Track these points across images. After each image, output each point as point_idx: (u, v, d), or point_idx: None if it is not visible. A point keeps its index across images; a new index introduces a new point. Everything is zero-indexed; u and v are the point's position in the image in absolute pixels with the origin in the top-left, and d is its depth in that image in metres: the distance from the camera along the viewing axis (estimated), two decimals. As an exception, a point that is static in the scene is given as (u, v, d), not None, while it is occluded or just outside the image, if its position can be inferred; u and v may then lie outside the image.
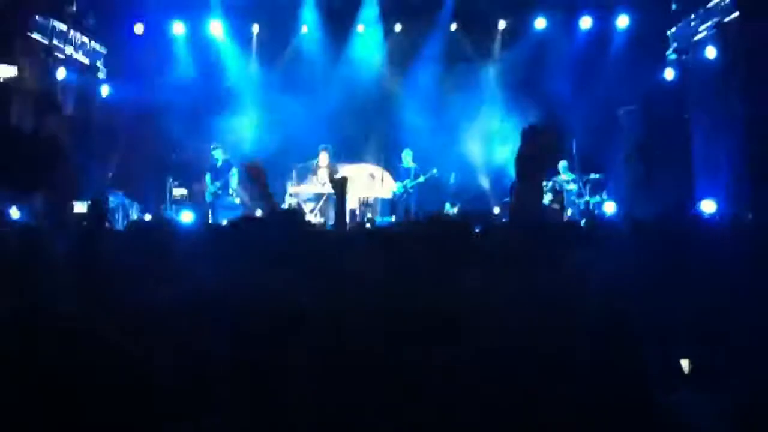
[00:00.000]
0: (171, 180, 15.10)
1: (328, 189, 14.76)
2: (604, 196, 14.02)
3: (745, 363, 2.21)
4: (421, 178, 14.85)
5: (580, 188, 14.39)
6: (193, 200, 14.98)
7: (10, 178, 10.73)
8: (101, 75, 14.87)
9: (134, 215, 14.03)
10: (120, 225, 13.17)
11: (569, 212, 14.16)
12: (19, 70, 11.80)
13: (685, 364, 2.20)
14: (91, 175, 13.67)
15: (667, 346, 2.27)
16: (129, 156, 14.97)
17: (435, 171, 14.84)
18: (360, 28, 16.47)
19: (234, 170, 14.33)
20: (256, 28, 16.13)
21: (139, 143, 15.04)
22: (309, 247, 3.38)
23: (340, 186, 5.30)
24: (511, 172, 15.31)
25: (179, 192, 15.01)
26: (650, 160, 14.20)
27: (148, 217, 13.95)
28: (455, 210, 14.67)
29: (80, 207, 12.59)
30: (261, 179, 4.77)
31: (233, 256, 3.47)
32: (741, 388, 2.04)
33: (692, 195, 13.10)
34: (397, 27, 16.48)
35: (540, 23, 15.82)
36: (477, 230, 3.95)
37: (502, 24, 16.29)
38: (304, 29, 16.29)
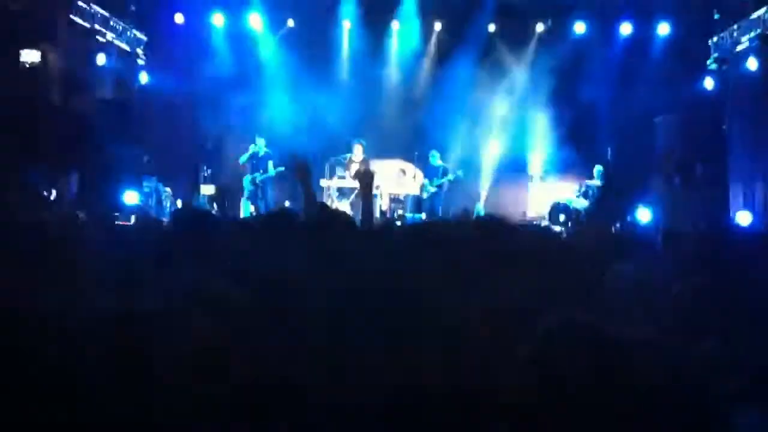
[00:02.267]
0: (204, 168, 15.25)
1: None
2: (638, 203, 13.92)
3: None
4: (448, 178, 14.88)
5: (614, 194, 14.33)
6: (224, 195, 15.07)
7: (45, 155, 10.85)
8: (141, 62, 15.00)
9: (167, 202, 14.19)
10: (153, 210, 13.35)
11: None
12: (58, 52, 11.94)
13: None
14: (126, 159, 13.82)
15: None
16: (164, 143, 15.11)
17: (460, 172, 14.86)
18: (396, 24, 16.47)
19: (271, 163, 14.42)
20: (291, 22, 16.19)
21: (175, 131, 15.18)
22: (357, 250, 3.41)
23: (366, 180, 5.17)
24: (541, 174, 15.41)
25: (207, 190, 15.07)
26: (686, 171, 14.07)
27: (180, 204, 14.14)
28: (484, 211, 14.69)
29: (131, 195, 12.81)
30: (306, 178, 4.80)
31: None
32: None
33: (727, 207, 12.98)
34: (437, 25, 16.48)
35: (579, 28, 15.73)
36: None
37: (540, 27, 16.21)
38: (346, 24, 16.34)
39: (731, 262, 3.69)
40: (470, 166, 15.75)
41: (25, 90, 11.15)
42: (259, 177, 14.47)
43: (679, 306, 3.03)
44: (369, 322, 2.44)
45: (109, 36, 13.74)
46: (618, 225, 12.79)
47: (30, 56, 11.37)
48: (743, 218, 11.57)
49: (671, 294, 3.22)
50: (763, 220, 11.64)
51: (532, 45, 16.32)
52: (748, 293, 3.05)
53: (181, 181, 15.32)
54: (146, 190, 13.79)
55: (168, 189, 14.42)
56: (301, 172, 4.84)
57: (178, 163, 15.34)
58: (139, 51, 14.93)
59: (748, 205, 12.30)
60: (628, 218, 13.63)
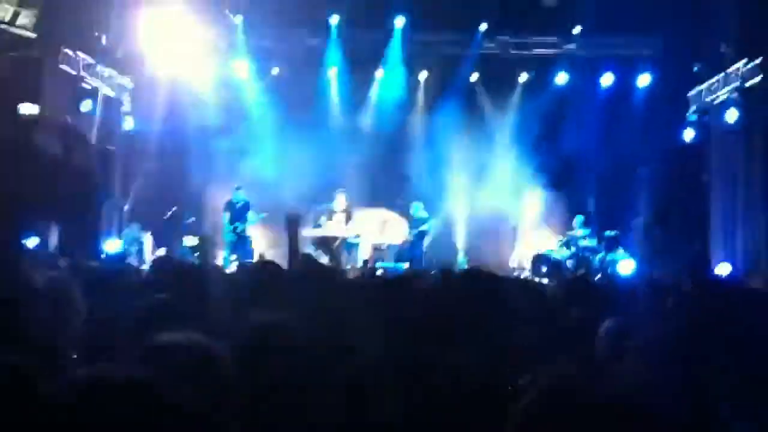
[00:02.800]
0: (188, 216, 15.16)
1: (344, 233, 14.79)
2: (621, 253, 13.95)
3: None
4: (423, 228, 14.94)
5: (595, 245, 14.37)
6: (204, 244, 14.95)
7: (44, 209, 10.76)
8: (126, 108, 14.97)
9: (148, 250, 14.08)
10: (135, 260, 13.22)
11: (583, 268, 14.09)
12: (45, 103, 11.96)
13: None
14: (109, 207, 13.74)
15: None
16: (146, 191, 15.02)
17: (426, 227, 14.92)
18: (381, 73, 16.62)
19: (251, 212, 14.37)
20: (277, 70, 16.28)
21: (158, 178, 15.11)
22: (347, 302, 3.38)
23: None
24: (524, 224, 15.46)
25: (189, 240, 14.96)
26: (667, 221, 14.15)
27: (160, 252, 14.03)
28: (467, 261, 14.71)
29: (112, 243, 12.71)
30: (296, 232, 4.81)
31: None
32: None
33: (708, 258, 13.03)
34: (422, 74, 16.64)
35: (561, 78, 15.93)
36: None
37: (523, 77, 16.42)
38: (332, 72, 16.46)
39: (710, 316, 3.70)
40: (453, 215, 15.81)
41: (25, 143, 11.10)
42: (239, 226, 14.40)
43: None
44: (356, 379, 2.40)
45: (95, 83, 13.74)
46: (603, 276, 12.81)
47: (28, 109, 11.38)
48: (723, 270, 11.63)
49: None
50: (744, 270, 11.71)
51: (516, 95, 16.51)
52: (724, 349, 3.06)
53: (164, 230, 15.19)
54: (128, 238, 13.69)
55: (150, 236, 14.32)
56: (293, 227, 4.84)
57: (161, 211, 15.22)
58: (124, 98, 14.91)
59: (728, 256, 12.36)
60: (609, 269, 13.65)
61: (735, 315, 3.89)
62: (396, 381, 2.19)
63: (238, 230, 14.42)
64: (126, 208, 14.80)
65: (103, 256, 12.31)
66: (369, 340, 2.80)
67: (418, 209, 15.16)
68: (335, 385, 2.37)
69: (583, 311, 4.09)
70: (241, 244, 14.43)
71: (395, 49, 16.23)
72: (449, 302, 3.12)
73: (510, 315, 3.14)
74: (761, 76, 11.92)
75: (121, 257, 12.33)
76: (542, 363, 2.60)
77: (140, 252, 14.00)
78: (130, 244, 13.70)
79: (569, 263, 14.16)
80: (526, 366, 2.53)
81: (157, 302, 4.04)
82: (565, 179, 15.51)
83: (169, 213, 14.58)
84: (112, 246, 12.88)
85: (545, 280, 11.28)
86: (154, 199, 15.02)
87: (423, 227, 15.02)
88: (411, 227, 15.20)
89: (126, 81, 14.91)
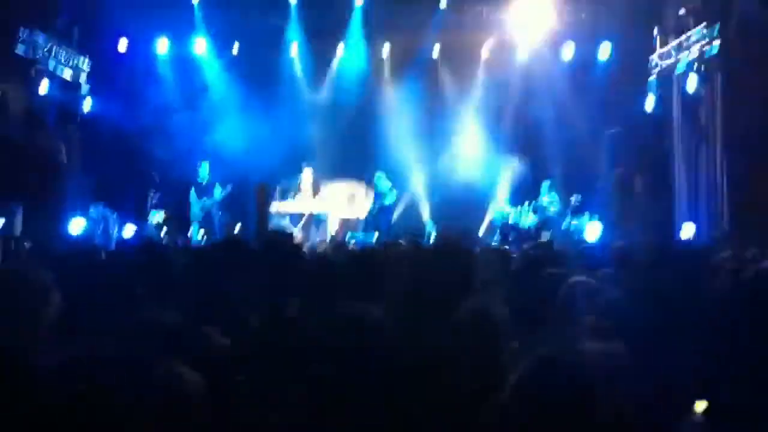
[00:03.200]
0: (152, 193, 15.03)
1: (312, 207, 14.81)
2: (587, 217, 14.13)
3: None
4: (389, 200, 14.98)
5: (562, 209, 14.54)
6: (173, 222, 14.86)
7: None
8: (84, 90, 14.75)
9: (115, 229, 13.96)
10: (100, 238, 13.10)
11: (549, 233, 14.25)
12: (2, 86, 11.76)
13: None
14: (71, 187, 13.58)
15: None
16: (110, 170, 14.85)
17: (389, 200, 15.00)
18: (343, 47, 16.54)
19: (218, 187, 14.31)
20: (237, 47, 16.14)
21: (121, 157, 14.93)
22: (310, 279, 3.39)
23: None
24: (491, 193, 15.58)
25: (157, 217, 14.85)
26: (632, 186, 14.33)
27: (127, 230, 13.93)
28: (435, 230, 14.79)
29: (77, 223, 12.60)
30: (265, 204, 4.82)
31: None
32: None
33: (672, 220, 13.24)
34: (384, 47, 16.60)
35: (524, 50, 15.95)
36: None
37: (485, 48, 16.41)
38: (293, 47, 16.35)
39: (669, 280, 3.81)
40: (420, 186, 15.86)
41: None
42: (206, 202, 14.35)
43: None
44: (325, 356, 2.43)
45: (52, 64, 13.51)
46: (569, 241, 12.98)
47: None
48: (688, 229, 11.78)
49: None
50: (707, 233, 11.91)
51: (479, 67, 16.52)
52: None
53: (129, 208, 15.04)
54: (93, 216, 13.56)
55: (115, 216, 14.19)
56: (262, 198, 4.85)
57: (125, 190, 15.07)
58: (82, 79, 14.69)
59: (692, 220, 12.53)
60: (576, 234, 13.82)
61: (693, 279, 4.00)
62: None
63: (206, 206, 14.35)
64: (89, 188, 14.60)
65: (67, 236, 12.20)
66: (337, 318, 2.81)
67: (381, 180, 15.16)
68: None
69: (548, 276, 4.17)
70: (208, 219, 14.38)
71: (356, 24, 16.16)
72: (416, 274, 3.16)
73: (476, 284, 3.19)
74: (720, 42, 12.03)
75: (86, 238, 12.23)
76: (515, 331, 2.66)
77: (106, 231, 13.87)
78: (95, 224, 13.57)
79: (536, 230, 14.33)
80: (499, 336, 2.58)
81: (126, 283, 4.05)
82: (531, 147, 15.60)
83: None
84: (76, 226, 12.73)
85: (513, 248, 11.39)
86: (117, 179, 14.87)
87: (386, 199, 15.03)
88: (377, 199, 15.21)
89: (83, 62, 14.67)
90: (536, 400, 1.59)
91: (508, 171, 15.76)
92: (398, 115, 16.11)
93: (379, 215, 15.03)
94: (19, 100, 12.20)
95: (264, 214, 4.62)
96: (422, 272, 3.17)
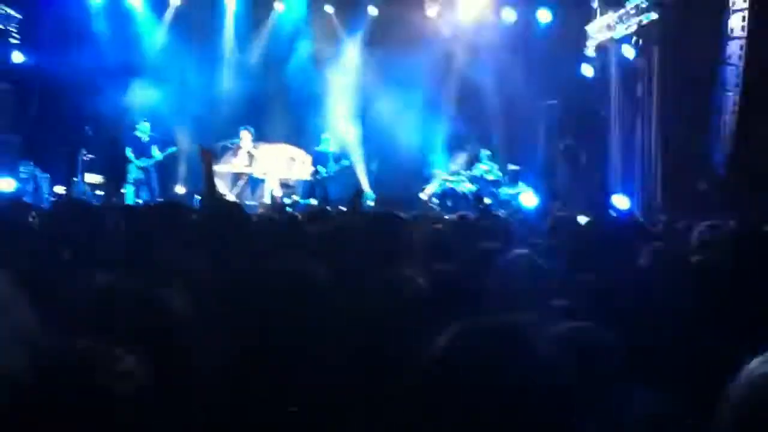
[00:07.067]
0: (83, 152, 14.60)
1: (248, 170, 14.65)
2: (522, 186, 14.29)
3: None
4: (343, 163, 14.91)
5: (500, 178, 14.67)
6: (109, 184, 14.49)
7: None
8: (14, 41, 14.20)
9: (45, 187, 13.59)
10: (30, 197, 12.72)
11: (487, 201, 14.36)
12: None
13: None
14: (1, 145, 13.14)
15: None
16: (40, 126, 14.37)
17: (347, 162, 14.92)
18: (281, 6, 16.25)
19: (155, 148, 14.00)
20: (175, 3, 15.73)
21: (52, 114, 14.46)
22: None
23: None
24: (430, 159, 15.62)
25: (93, 179, 14.47)
26: (578, 157, 14.48)
27: (59, 189, 13.57)
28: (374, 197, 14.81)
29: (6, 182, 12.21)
30: (211, 166, 4.73)
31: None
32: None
33: (608, 191, 13.45)
34: (327, 8, 16.36)
35: (466, 13, 15.91)
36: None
37: (429, 10, 16.28)
38: (230, 5, 16.00)
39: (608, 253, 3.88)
40: (360, 150, 15.80)
41: None
42: (145, 162, 14.02)
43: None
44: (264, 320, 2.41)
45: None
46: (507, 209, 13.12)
47: None
48: (620, 202, 11.96)
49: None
50: (641, 203, 12.16)
51: (420, 29, 16.38)
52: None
53: (60, 167, 14.60)
54: (23, 176, 13.17)
55: (47, 175, 13.80)
56: (208, 159, 4.77)
57: (55, 148, 14.61)
58: (12, 29, 14.12)
59: (627, 190, 12.74)
60: (513, 202, 13.97)
61: (623, 249, 4.07)
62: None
63: (144, 165, 14.02)
64: (18, 146, 14.12)
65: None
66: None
67: (327, 143, 15.05)
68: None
69: (484, 245, 4.20)
70: (146, 180, 14.06)
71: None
72: (355, 242, 3.14)
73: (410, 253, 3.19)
74: (657, 12, 12.20)
75: (16, 196, 11.85)
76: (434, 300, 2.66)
77: (38, 190, 13.48)
78: (25, 183, 13.17)
79: (474, 197, 14.44)
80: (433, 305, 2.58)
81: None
82: (472, 114, 15.65)
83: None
84: (5, 185, 12.34)
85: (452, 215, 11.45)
86: (49, 136, 14.41)
87: (335, 163, 14.93)
88: (319, 162, 15.07)
89: (12, 11, 14.10)
90: (460, 369, 1.57)
91: (447, 138, 15.83)
92: (339, 76, 15.94)
93: (324, 179, 14.90)
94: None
95: (211, 179, 4.51)
96: (352, 238, 3.17)
